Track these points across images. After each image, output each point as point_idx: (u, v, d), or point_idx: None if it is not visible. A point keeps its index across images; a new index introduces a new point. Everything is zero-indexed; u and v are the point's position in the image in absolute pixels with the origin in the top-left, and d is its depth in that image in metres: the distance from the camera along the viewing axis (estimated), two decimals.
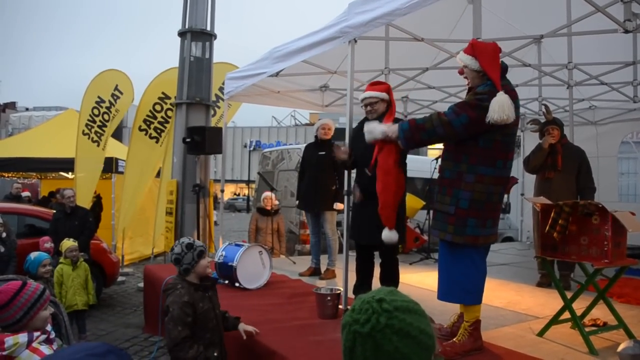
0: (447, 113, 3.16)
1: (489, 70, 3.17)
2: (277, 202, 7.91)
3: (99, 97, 9.97)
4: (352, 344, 1.17)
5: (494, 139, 3.11)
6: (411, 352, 1.14)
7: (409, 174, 4.47)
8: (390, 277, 4.25)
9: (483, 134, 3.10)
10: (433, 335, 1.19)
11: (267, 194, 7.82)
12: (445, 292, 3.29)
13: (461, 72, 3.38)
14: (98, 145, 9.95)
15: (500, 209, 3.36)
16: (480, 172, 3.12)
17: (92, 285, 5.88)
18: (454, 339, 3.28)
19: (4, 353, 2.13)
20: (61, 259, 5.64)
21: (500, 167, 3.16)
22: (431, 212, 3.61)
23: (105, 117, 10.00)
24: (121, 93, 10.13)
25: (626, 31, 4.34)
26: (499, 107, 2.98)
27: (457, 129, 3.08)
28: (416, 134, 3.22)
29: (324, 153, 5.86)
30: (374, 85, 4.25)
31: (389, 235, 3.70)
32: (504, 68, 3.29)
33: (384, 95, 4.14)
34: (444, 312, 3.73)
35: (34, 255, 5.09)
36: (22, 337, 2.20)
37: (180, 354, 3.04)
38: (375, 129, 3.51)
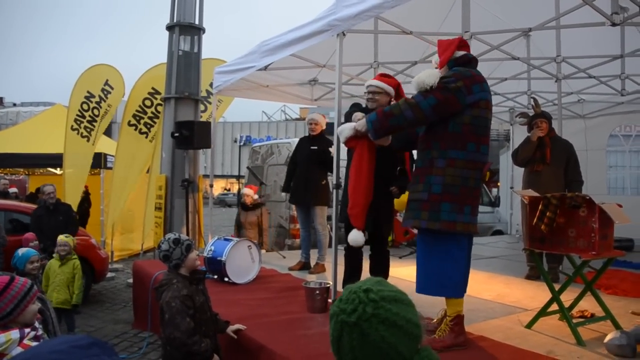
0: (414, 97, 3.18)
1: (440, 58, 3.34)
2: (256, 197, 7.90)
3: (88, 92, 9.86)
4: (339, 333, 1.19)
5: (463, 122, 3.12)
6: (397, 342, 1.15)
7: None
8: (380, 270, 4.25)
9: (452, 118, 3.12)
10: (420, 325, 1.21)
11: (245, 190, 7.83)
12: (421, 285, 3.25)
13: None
14: (88, 141, 9.86)
15: (479, 196, 3.33)
16: (451, 156, 3.12)
17: (80, 284, 5.52)
18: (434, 335, 3.27)
19: None
20: (55, 255, 5.54)
21: (473, 150, 3.14)
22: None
23: (95, 112, 9.89)
24: (112, 88, 10.03)
25: (613, 24, 4.35)
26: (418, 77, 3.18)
27: (426, 110, 3.08)
28: (385, 122, 3.20)
29: (315, 147, 5.84)
30: (383, 76, 4.19)
31: (356, 236, 3.62)
32: (469, 59, 3.35)
33: (389, 88, 4.08)
34: (434, 305, 3.73)
35: (22, 251, 4.98)
36: (15, 334, 2.20)
37: (195, 348, 3.03)
38: (344, 129, 3.50)
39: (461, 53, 3.33)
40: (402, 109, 3.13)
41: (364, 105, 4.41)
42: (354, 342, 1.16)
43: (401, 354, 1.16)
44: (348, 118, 4.03)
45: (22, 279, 2.39)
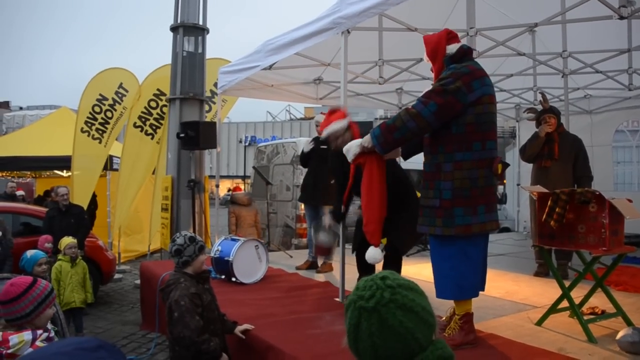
0: (414, 105, 3.11)
1: (431, 60, 3.28)
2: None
3: (100, 94, 9.86)
4: (357, 320, 1.20)
5: (466, 122, 3.06)
6: (415, 327, 1.17)
7: (405, 166, 4.44)
8: (390, 266, 4.21)
9: (455, 120, 3.06)
10: (434, 314, 1.24)
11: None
12: (440, 289, 3.22)
13: (432, 70, 3.38)
14: (100, 142, 9.88)
15: (494, 192, 3.26)
16: (457, 158, 3.07)
17: (90, 284, 5.86)
18: (444, 333, 3.24)
19: (9, 351, 2.13)
20: (60, 256, 5.60)
21: (479, 149, 3.08)
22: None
23: (109, 114, 9.88)
24: (126, 91, 10.01)
25: (621, 17, 4.32)
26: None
27: (428, 118, 3.01)
28: (389, 136, 3.15)
29: (325, 147, 5.82)
30: (331, 114, 4.05)
31: (373, 253, 3.56)
32: (463, 51, 3.24)
33: (344, 123, 3.99)
34: (443, 303, 3.70)
35: (30, 253, 5.02)
36: (27, 335, 2.22)
37: (204, 346, 3.02)
38: (351, 147, 3.45)
39: (454, 47, 3.23)
40: (405, 120, 3.06)
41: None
42: (372, 328, 1.17)
43: (418, 341, 1.18)
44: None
45: (44, 282, 2.42)
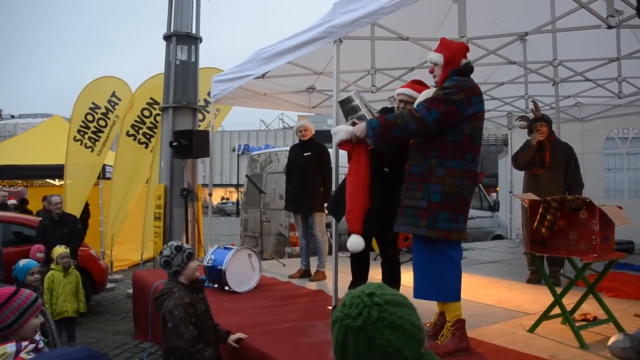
0: (417, 109, 3.16)
1: (446, 63, 3.28)
2: None
3: (93, 103, 9.85)
4: (344, 338, 1.17)
5: (463, 132, 3.15)
6: (403, 345, 1.15)
7: None
8: (390, 279, 4.20)
9: (452, 128, 3.14)
10: (423, 328, 1.21)
11: None
12: (420, 290, 3.22)
13: (431, 71, 3.42)
14: (92, 151, 9.85)
15: (470, 204, 3.34)
16: (450, 165, 3.14)
17: (83, 293, 5.80)
18: (437, 340, 3.24)
19: None
20: (52, 265, 5.57)
21: (470, 161, 3.18)
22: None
23: (101, 122, 9.88)
24: (119, 99, 10.00)
25: (609, 27, 4.37)
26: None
27: (429, 123, 3.08)
28: (387, 131, 3.17)
29: (309, 154, 5.83)
30: (416, 84, 4.03)
31: (355, 241, 3.51)
32: (468, 68, 3.34)
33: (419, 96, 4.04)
34: (431, 310, 3.71)
35: (22, 262, 4.99)
36: (10, 347, 2.15)
37: (198, 356, 3.00)
38: (340, 130, 3.45)
39: (463, 61, 3.34)
40: (407, 121, 3.11)
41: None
42: (359, 347, 1.15)
43: (406, 358, 1.16)
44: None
45: (27, 292, 2.36)
